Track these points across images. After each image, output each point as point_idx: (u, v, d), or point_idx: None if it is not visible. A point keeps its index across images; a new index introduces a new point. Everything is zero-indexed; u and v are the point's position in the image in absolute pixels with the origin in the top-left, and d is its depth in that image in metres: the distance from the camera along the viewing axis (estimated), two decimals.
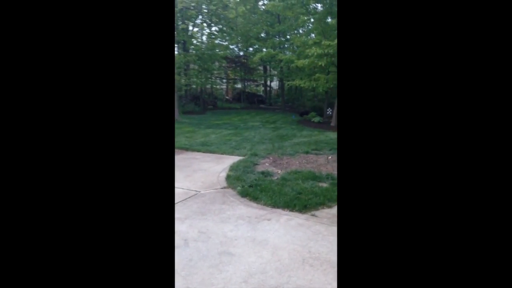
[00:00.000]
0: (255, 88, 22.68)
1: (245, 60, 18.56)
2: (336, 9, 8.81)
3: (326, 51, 8.58)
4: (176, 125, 10.19)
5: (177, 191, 3.69)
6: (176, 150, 6.32)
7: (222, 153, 5.89)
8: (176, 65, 14.00)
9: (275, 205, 3.17)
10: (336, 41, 8.16)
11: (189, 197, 3.46)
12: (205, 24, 16.43)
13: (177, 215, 2.96)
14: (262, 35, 16.69)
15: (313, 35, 11.56)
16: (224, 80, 21.41)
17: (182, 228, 2.68)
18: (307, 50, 9.21)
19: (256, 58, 14.16)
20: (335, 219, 2.77)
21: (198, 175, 4.39)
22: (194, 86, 16.64)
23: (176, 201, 3.34)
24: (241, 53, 19.14)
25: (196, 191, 3.70)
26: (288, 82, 12.87)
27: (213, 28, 16.77)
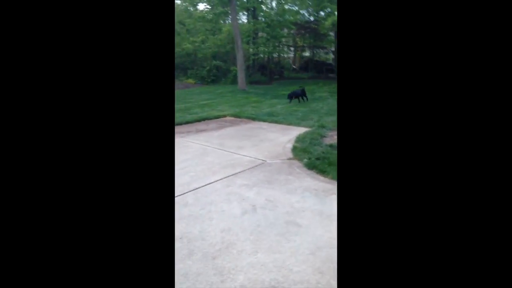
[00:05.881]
0: (324, 56, 21.45)
1: (316, 26, 17.48)
2: None
3: None
4: (242, 95, 10.37)
5: (244, 159, 3.80)
6: (242, 120, 6.48)
7: (288, 124, 5.82)
8: (245, 34, 13.99)
9: None
10: None
11: (255, 166, 3.54)
12: None
13: (244, 181, 3.07)
14: None
15: None
16: (292, 48, 20.69)
17: (250, 194, 2.77)
18: None
19: (328, 22, 13.20)
20: None
21: (264, 145, 4.45)
22: (261, 56, 16.52)
23: (243, 168, 3.45)
24: (312, 19, 18.05)
25: (262, 160, 3.76)
26: None
27: None
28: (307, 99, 8.70)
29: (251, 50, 14.53)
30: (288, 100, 8.62)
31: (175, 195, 2.76)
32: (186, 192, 2.83)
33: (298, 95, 8.70)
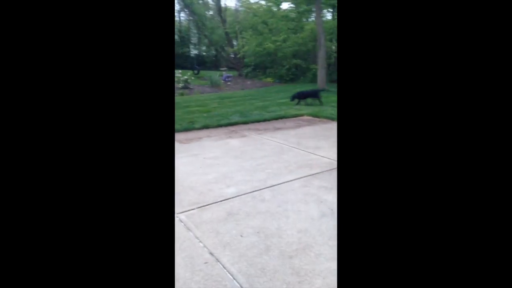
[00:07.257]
0: None
1: None
2: None
3: None
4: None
5: (322, 160, 3.68)
6: (321, 120, 6.29)
7: None
8: (329, 31, 13.56)
9: None
10: None
11: (334, 168, 3.39)
12: None
13: (323, 183, 2.96)
14: None
15: None
16: None
17: (328, 197, 2.66)
18: None
19: None
20: None
21: None
22: None
23: (321, 170, 3.34)
24: None
25: None
26: None
27: None
28: (320, 102, 7.76)
29: (333, 47, 13.99)
30: (295, 101, 7.75)
31: (252, 190, 2.84)
32: (263, 188, 2.88)
33: (304, 97, 7.76)
